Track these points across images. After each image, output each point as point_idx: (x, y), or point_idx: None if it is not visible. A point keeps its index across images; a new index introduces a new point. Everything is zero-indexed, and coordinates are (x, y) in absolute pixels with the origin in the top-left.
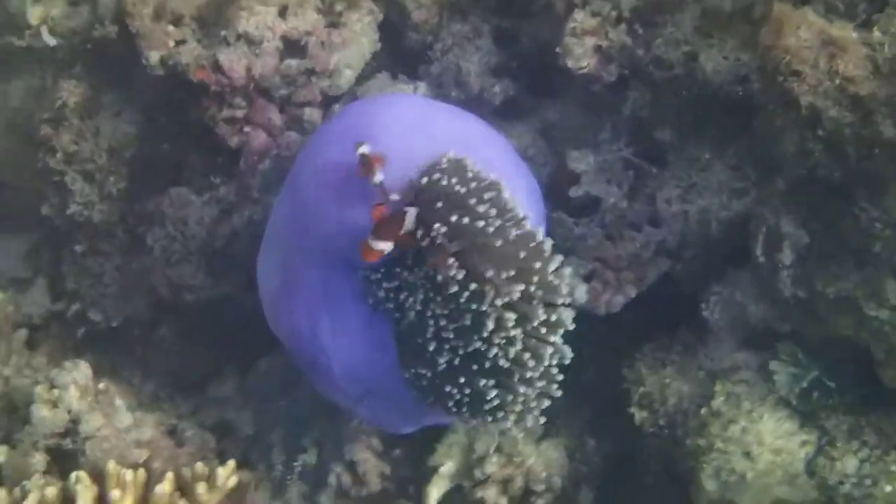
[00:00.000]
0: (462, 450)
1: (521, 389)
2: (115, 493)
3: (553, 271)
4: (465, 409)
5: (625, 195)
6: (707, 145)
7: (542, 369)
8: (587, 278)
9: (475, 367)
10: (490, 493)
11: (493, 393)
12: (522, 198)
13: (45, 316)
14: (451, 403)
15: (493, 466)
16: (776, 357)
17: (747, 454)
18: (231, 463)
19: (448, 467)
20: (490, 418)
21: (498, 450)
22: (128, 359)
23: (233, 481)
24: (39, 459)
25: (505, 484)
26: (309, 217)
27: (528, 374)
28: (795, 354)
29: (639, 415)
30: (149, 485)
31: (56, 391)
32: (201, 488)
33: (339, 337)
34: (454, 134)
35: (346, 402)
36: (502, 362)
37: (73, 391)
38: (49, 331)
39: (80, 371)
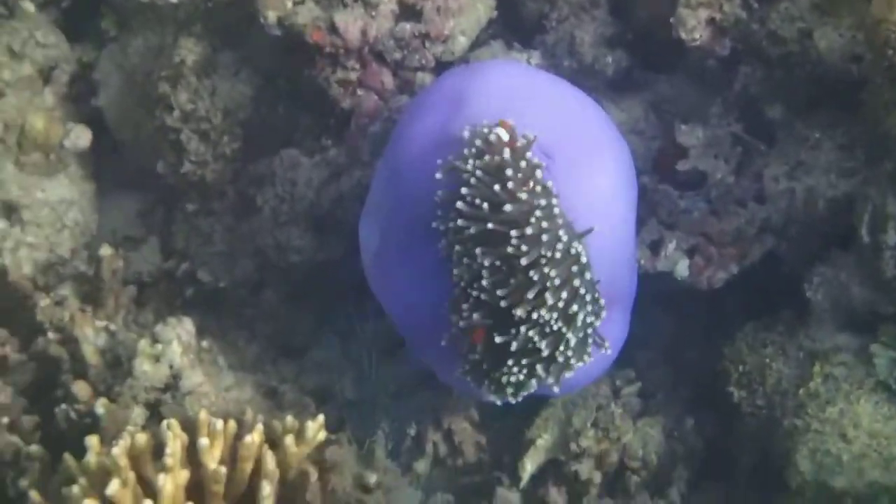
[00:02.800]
0: (559, 423)
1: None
2: (203, 441)
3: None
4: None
5: (732, 171)
6: (817, 124)
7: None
8: (690, 253)
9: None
10: (584, 467)
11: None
12: (611, 172)
13: (154, 274)
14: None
15: (588, 441)
16: (877, 340)
17: (843, 436)
18: (320, 417)
19: (544, 440)
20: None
21: (594, 425)
22: (234, 320)
23: (321, 436)
24: (139, 413)
25: (600, 459)
26: (402, 181)
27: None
28: None
29: (737, 394)
30: (240, 436)
31: (159, 346)
32: (289, 440)
33: (420, 299)
34: (548, 105)
35: (433, 361)
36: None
37: (175, 347)
38: (158, 288)
39: (184, 328)
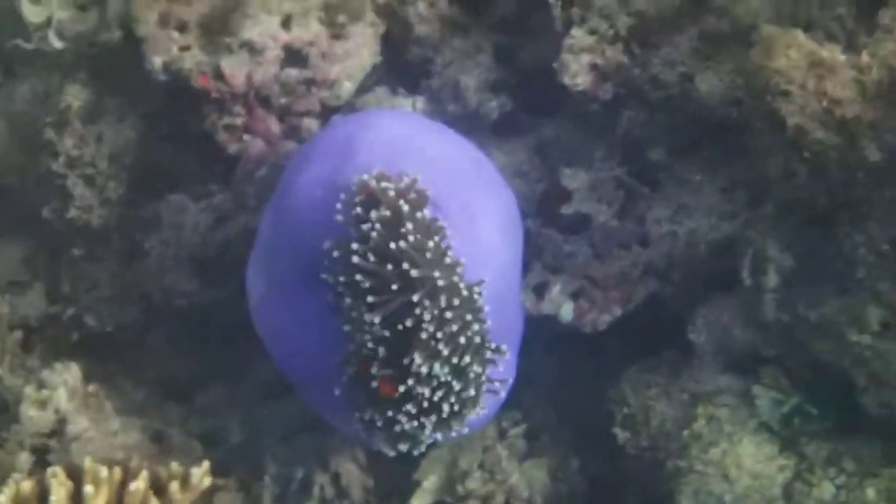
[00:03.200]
0: (445, 465)
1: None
2: (88, 489)
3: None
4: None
5: (615, 214)
6: (699, 167)
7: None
8: (574, 296)
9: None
10: None
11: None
12: (497, 219)
13: (41, 318)
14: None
15: (474, 483)
16: (759, 381)
17: (726, 477)
18: (205, 464)
19: (431, 482)
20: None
21: (480, 466)
22: (120, 364)
23: (206, 482)
24: (25, 458)
25: (486, 500)
26: (289, 228)
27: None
28: (778, 379)
29: (622, 435)
30: (125, 483)
31: (45, 392)
32: (174, 487)
33: (306, 345)
34: (434, 155)
35: (319, 405)
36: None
37: (62, 392)
38: (44, 333)
39: (70, 373)
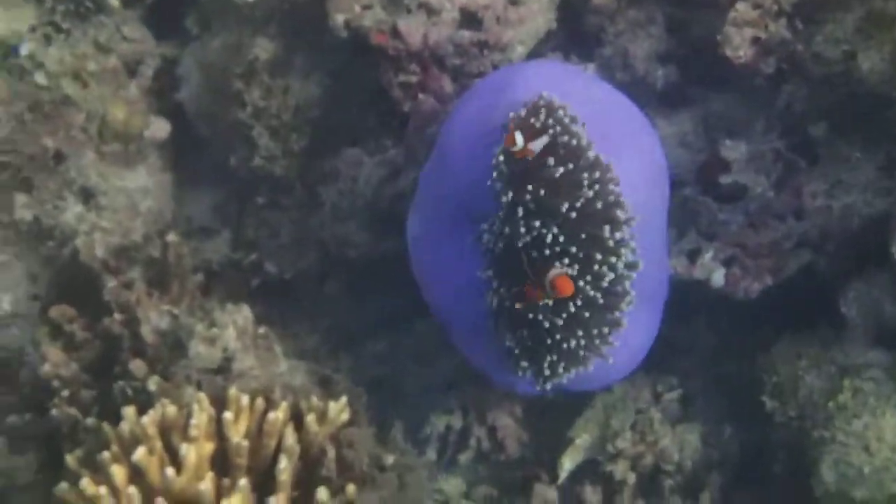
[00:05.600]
0: (599, 425)
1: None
2: (227, 415)
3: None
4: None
5: (772, 186)
6: (858, 144)
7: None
8: (727, 263)
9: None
10: (619, 468)
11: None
12: (641, 166)
13: (223, 263)
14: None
15: (625, 443)
16: None
17: (866, 448)
18: (343, 399)
19: (583, 440)
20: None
21: (632, 428)
22: (297, 310)
23: (344, 417)
24: (190, 392)
25: (635, 461)
26: (445, 167)
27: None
28: None
29: (770, 404)
30: (266, 412)
31: (215, 330)
32: (311, 419)
33: (457, 283)
34: (585, 97)
35: (466, 347)
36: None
37: (231, 331)
38: (225, 277)
39: (241, 314)
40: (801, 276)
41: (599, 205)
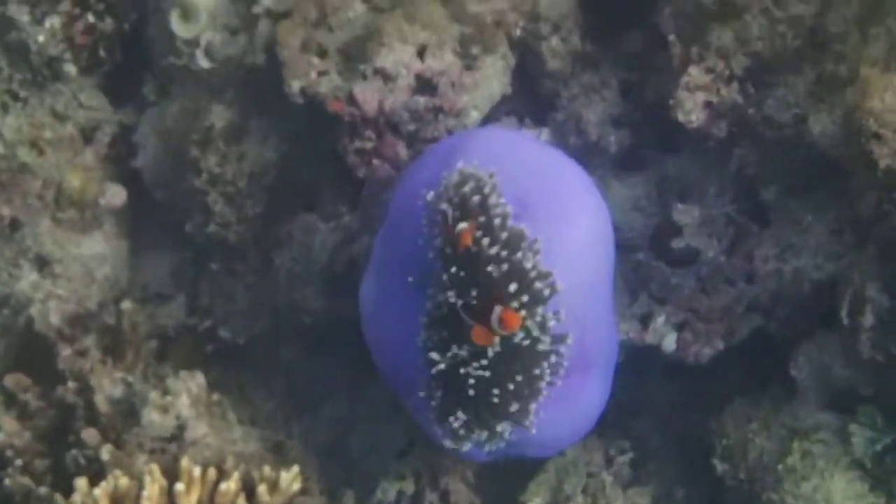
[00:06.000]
0: (551, 489)
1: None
2: (179, 486)
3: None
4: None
5: (724, 250)
6: (810, 206)
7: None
8: (679, 327)
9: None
10: None
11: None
12: (584, 233)
13: (178, 329)
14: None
15: None
16: (855, 420)
17: None
18: (295, 468)
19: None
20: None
21: (584, 491)
22: (252, 375)
23: (296, 486)
24: (142, 460)
25: None
26: (395, 235)
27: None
28: (874, 418)
29: (720, 467)
30: (218, 483)
31: (168, 398)
32: (262, 489)
33: (408, 349)
34: (530, 164)
35: (417, 414)
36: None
37: (184, 399)
38: (180, 344)
39: (194, 381)
40: (752, 339)
41: (515, 280)
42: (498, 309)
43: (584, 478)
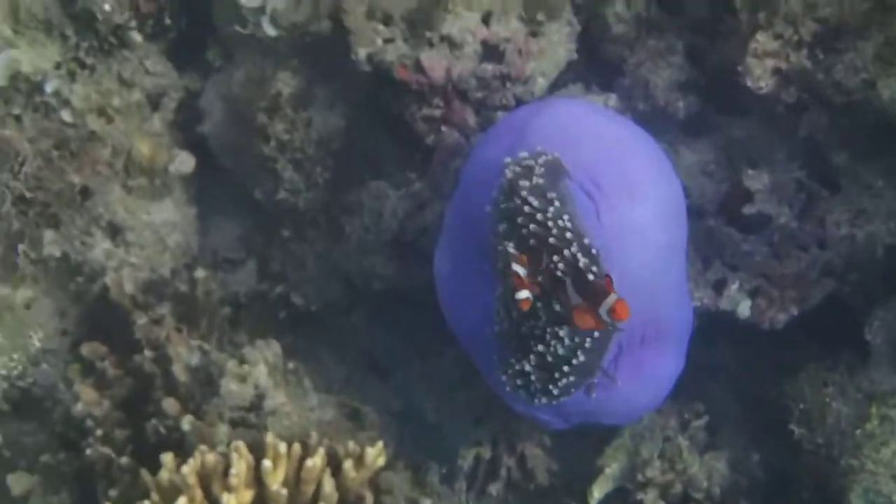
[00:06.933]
0: (627, 454)
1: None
2: (266, 463)
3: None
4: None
5: (795, 215)
6: (881, 172)
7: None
8: (752, 294)
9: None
10: (649, 496)
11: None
12: (654, 207)
13: (250, 295)
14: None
15: (654, 471)
16: None
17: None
18: (380, 444)
19: (612, 469)
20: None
21: (661, 456)
22: (324, 341)
23: (381, 461)
24: (223, 430)
25: (665, 489)
26: (469, 207)
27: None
28: None
29: (798, 431)
30: (304, 458)
31: (246, 367)
32: (348, 465)
33: (485, 322)
34: (603, 139)
35: (494, 382)
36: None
37: (262, 368)
38: (253, 310)
39: (271, 350)
40: (825, 304)
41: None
42: (612, 297)
43: (660, 442)
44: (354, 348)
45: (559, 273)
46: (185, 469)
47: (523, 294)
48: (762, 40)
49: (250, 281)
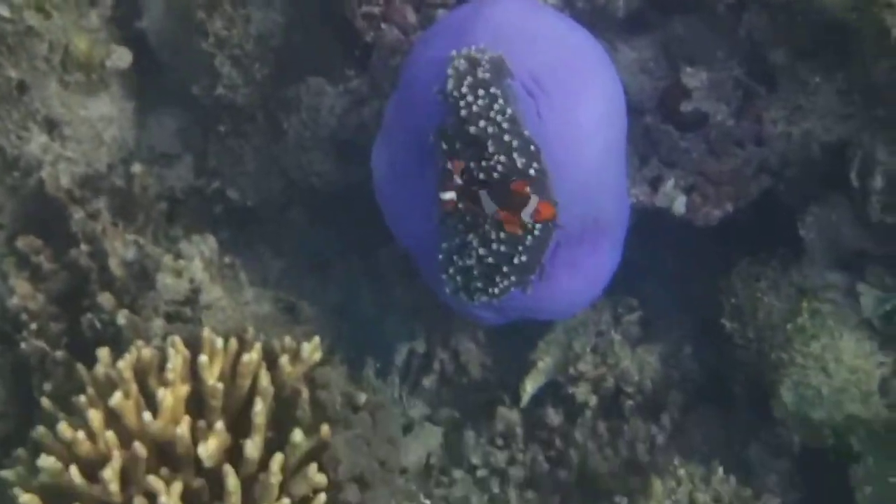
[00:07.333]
0: (560, 348)
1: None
2: (202, 358)
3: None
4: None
5: (732, 113)
6: (819, 69)
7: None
8: (688, 191)
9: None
10: (581, 390)
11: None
12: (597, 105)
13: (186, 190)
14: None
15: (586, 366)
16: (864, 279)
17: (825, 370)
18: (315, 339)
19: (545, 363)
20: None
21: (593, 350)
22: (260, 237)
23: (316, 356)
24: (159, 324)
25: (597, 383)
26: (408, 108)
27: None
28: (882, 278)
29: (730, 326)
30: (240, 353)
31: (182, 262)
32: (284, 360)
33: (422, 221)
34: (544, 38)
35: (433, 281)
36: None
37: (197, 262)
38: (189, 205)
39: (207, 244)
40: (761, 201)
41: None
42: (534, 200)
43: (593, 336)
44: (291, 244)
45: (481, 178)
46: (121, 364)
47: (448, 195)
48: None
49: (187, 176)
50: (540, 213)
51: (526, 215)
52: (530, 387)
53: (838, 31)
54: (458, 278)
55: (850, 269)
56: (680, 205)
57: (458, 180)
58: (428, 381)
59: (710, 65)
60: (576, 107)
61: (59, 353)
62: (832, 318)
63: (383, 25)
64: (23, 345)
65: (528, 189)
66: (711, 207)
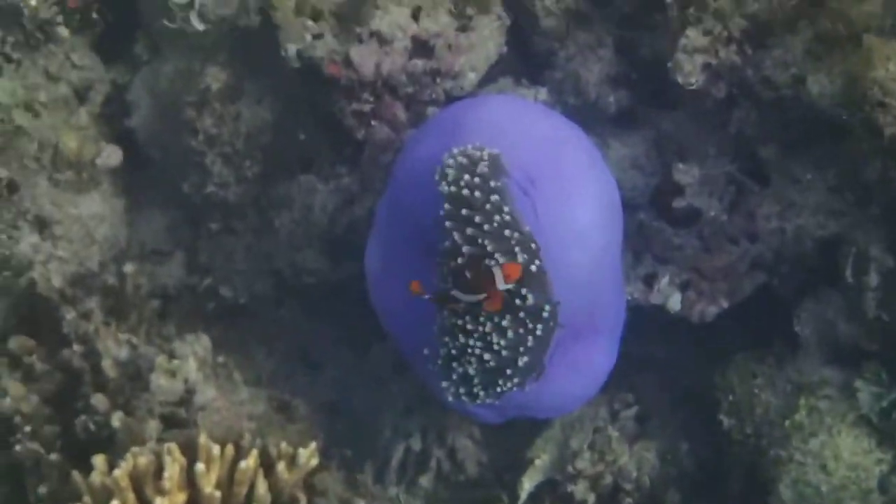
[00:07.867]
0: (557, 445)
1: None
2: (199, 466)
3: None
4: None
5: (725, 209)
6: (810, 164)
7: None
8: (683, 287)
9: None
10: (579, 488)
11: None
12: (592, 203)
13: (178, 287)
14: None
15: (584, 463)
16: (861, 375)
17: (824, 467)
18: (312, 445)
19: (543, 460)
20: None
21: (591, 447)
22: (253, 334)
23: (313, 462)
24: (153, 426)
25: (595, 480)
26: (402, 205)
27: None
28: (879, 374)
29: (727, 422)
30: (237, 460)
31: (176, 362)
32: (282, 466)
33: (416, 319)
34: (538, 136)
35: (425, 377)
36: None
37: (191, 362)
38: (181, 302)
39: (200, 344)
40: (756, 297)
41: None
42: (497, 269)
43: (590, 433)
44: (284, 341)
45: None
46: (117, 472)
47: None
48: (692, 36)
49: (179, 273)
50: (510, 276)
51: (500, 286)
52: (528, 484)
53: (829, 127)
54: (461, 384)
55: (847, 364)
56: (675, 302)
57: (426, 296)
58: (425, 480)
59: (702, 161)
60: (572, 205)
61: (54, 456)
62: (830, 415)
63: (374, 123)
64: (17, 447)
65: (482, 265)
66: (707, 304)
